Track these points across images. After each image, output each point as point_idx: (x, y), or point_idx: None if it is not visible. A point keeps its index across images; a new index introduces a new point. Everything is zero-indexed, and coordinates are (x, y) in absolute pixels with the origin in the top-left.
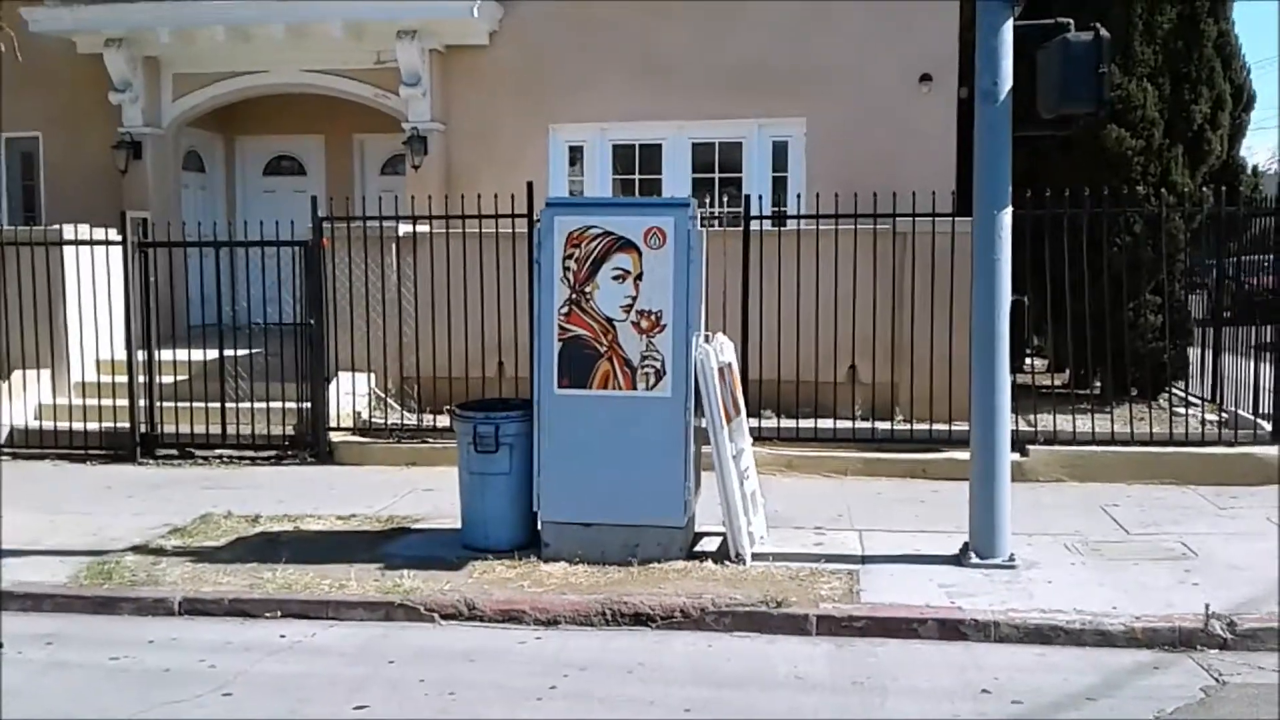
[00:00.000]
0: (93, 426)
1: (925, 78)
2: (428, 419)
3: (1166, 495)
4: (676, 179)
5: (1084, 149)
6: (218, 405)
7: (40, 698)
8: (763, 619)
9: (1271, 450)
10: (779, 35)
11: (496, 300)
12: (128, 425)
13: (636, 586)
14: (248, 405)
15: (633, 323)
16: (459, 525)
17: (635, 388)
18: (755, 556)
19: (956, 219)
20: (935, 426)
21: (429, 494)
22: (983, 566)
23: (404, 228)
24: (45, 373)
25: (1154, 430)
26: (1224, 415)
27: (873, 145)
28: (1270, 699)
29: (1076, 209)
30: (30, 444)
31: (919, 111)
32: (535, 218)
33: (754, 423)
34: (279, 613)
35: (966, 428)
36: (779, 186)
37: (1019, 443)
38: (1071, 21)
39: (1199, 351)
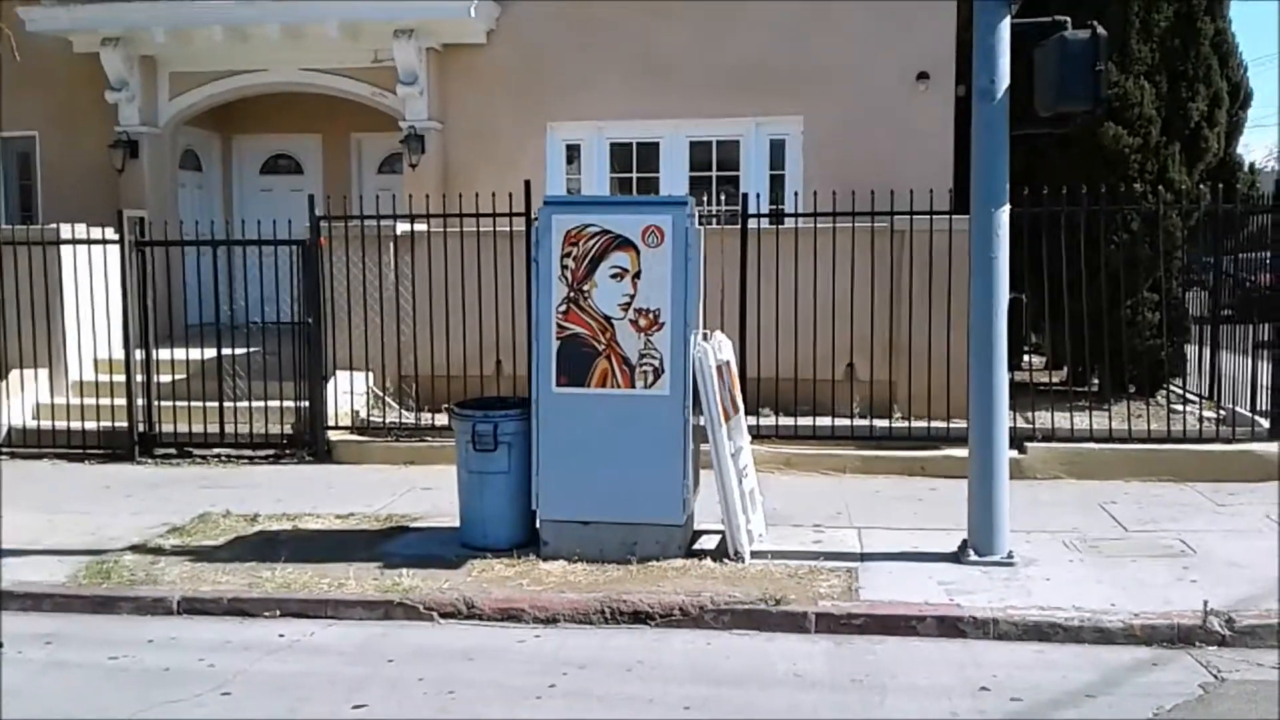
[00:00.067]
0: (91, 426)
1: (923, 76)
2: (426, 418)
3: (1165, 492)
4: (674, 177)
5: (1081, 147)
6: (216, 404)
7: (40, 697)
8: (762, 617)
9: (1270, 447)
10: (777, 34)
11: (494, 299)
12: (126, 424)
13: (635, 585)
14: (246, 404)
15: (631, 321)
16: (458, 524)
17: (633, 386)
18: (754, 554)
19: (954, 217)
20: (933, 424)
21: (427, 493)
22: (981, 564)
23: (402, 227)
24: (43, 372)
25: (1152, 427)
26: (1222, 412)
27: (871, 143)
28: (1270, 696)
29: (1074, 207)
30: (28, 443)
31: (917, 110)
32: (533, 216)
33: (752, 420)
34: (278, 612)
35: (965, 425)
36: (777, 185)
37: (1017, 440)
38: (1068, 20)
39: (1197, 349)
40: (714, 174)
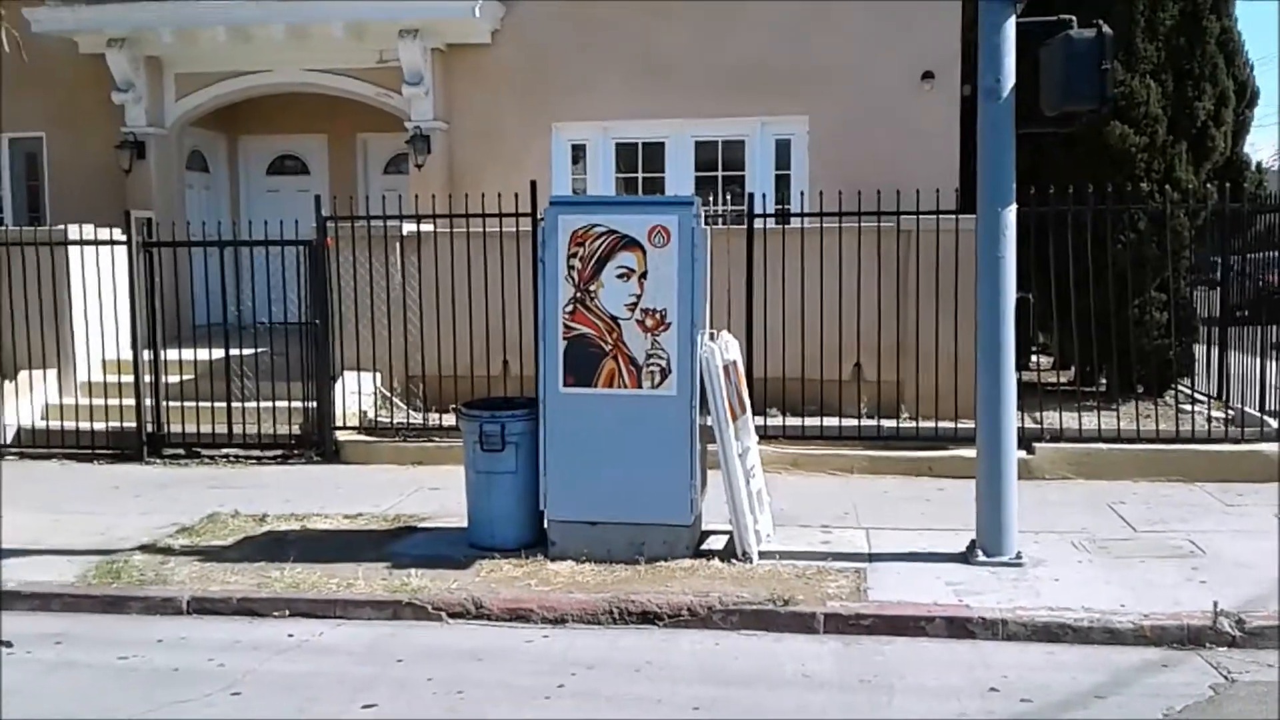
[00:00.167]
0: (99, 426)
1: (927, 76)
2: (433, 418)
3: (1173, 493)
4: (679, 177)
5: (1087, 146)
6: (224, 405)
7: (49, 697)
8: (770, 617)
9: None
10: (780, 34)
11: (501, 299)
12: (134, 425)
13: (643, 585)
14: (254, 405)
15: (637, 321)
16: (465, 524)
17: (640, 386)
18: (762, 555)
19: (960, 217)
20: (941, 424)
21: (435, 493)
22: (990, 564)
23: (408, 227)
24: (51, 373)
25: (1160, 427)
26: (1230, 412)
27: (876, 143)
28: None
29: (1080, 206)
30: (37, 444)
31: (922, 110)
32: (539, 216)
33: (759, 421)
34: (287, 612)
35: (972, 425)
36: (782, 185)
37: (1025, 440)
38: (1074, 19)
39: (1205, 349)
40: (720, 174)
